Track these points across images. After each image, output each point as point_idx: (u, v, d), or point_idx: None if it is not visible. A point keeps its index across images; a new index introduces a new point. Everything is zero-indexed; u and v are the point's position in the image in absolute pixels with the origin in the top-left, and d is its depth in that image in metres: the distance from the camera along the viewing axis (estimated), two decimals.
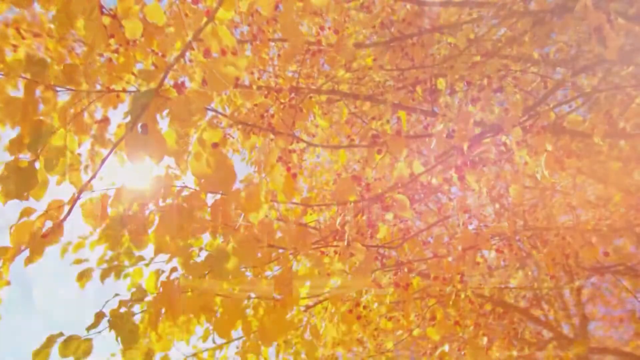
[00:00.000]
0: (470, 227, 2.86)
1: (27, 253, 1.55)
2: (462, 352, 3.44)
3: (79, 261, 2.93)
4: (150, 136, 1.49)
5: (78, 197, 1.45)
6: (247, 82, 3.08)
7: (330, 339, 3.64)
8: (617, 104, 2.72)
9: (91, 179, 1.47)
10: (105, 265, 2.84)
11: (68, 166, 1.48)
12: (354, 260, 2.62)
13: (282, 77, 3.08)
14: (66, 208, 1.46)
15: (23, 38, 2.60)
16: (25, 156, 1.51)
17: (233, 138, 4.25)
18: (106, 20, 2.24)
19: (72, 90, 1.63)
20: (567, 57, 3.00)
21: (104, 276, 2.80)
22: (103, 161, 1.46)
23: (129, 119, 1.28)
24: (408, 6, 3.73)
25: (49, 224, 1.50)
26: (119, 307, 2.06)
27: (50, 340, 1.90)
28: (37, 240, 1.48)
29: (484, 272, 3.11)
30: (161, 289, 2.20)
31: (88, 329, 1.93)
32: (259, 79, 3.35)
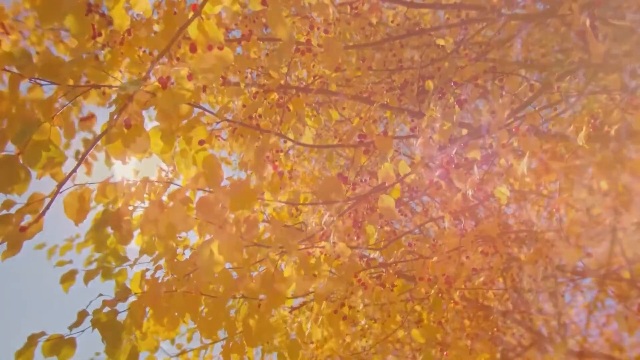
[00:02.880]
0: (455, 229, 2.87)
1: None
2: (445, 353, 3.45)
3: (62, 263, 2.89)
4: (133, 131, 1.48)
5: (58, 191, 1.43)
6: (235, 81, 3.07)
7: (315, 340, 3.64)
8: (601, 108, 2.76)
9: (71, 173, 1.45)
10: (92, 266, 2.80)
11: (50, 160, 1.46)
12: (339, 261, 2.62)
13: (271, 76, 3.08)
14: (47, 201, 1.44)
15: (8, 34, 2.56)
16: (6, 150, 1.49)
17: (222, 139, 4.22)
18: (94, 17, 2.22)
19: (56, 84, 1.61)
20: (553, 60, 3.04)
21: (88, 278, 2.76)
22: (84, 155, 1.45)
23: (113, 108, 1.27)
24: (397, 8, 3.76)
25: (28, 217, 1.48)
26: (103, 306, 2.04)
27: (33, 340, 1.87)
28: (14, 233, 1.46)
29: (469, 274, 3.12)
30: (145, 288, 2.18)
31: (70, 327, 1.90)
32: (246, 77, 3.34)
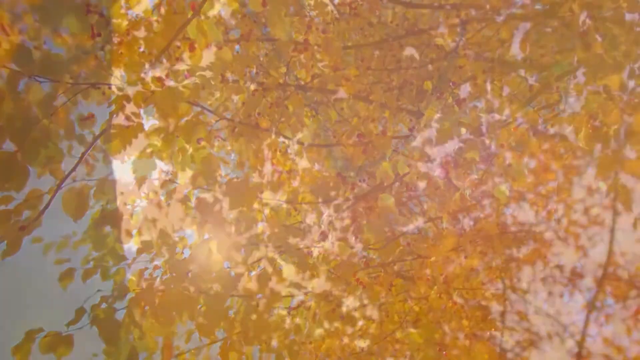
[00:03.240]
0: (454, 229, 2.87)
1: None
2: (444, 353, 3.45)
3: (60, 261, 2.88)
4: (131, 129, 1.48)
5: (58, 189, 1.43)
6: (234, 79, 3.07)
7: (313, 340, 3.63)
8: (601, 108, 2.75)
9: (71, 171, 1.45)
10: (89, 265, 2.79)
11: (50, 158, 1.45)
12: (337, 260, 2.62)
13: (270, 75, 3.08)
14: (46, 198, 1.44)
15: (8, 35, 2.55)
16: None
17: (221, 139, 4.20)
18: (94, 17, 2.22)
19: (56, 82, 1.61)
20: (552, 61, 3.04)
21: (86, 276, 2.75)
22: (84, 154, 1.44)
23: (112, 108, 1.27)
24: (396, 9, 3.75)
25: (27, 213, 1.47)
26: (100, 303, 2.04)
27: (30, 336, 1.87)
28: (14, 231, 1.45)
29: (467, 274, 3.13)
30: (143, 286, 2.18)
31: (68, 324, 1.90)
32: (244, 75, 3.34)
